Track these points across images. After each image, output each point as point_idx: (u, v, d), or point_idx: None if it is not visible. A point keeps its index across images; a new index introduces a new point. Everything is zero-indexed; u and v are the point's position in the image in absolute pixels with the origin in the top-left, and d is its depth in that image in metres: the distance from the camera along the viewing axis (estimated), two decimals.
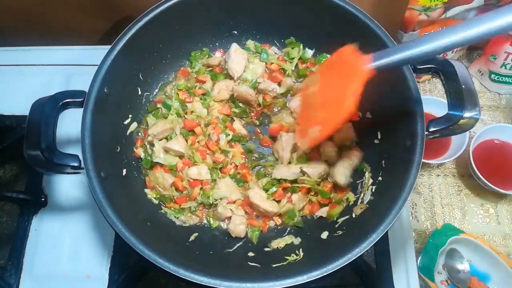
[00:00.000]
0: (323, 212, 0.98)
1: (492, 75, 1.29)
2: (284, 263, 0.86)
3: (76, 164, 0.77)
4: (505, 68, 1.24)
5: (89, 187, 0.78)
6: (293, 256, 0.88)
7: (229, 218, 0.97)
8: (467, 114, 0.78)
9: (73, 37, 1.25)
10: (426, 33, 0.76)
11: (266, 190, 0.98)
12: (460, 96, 0.80)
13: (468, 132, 1.15)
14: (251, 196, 0.96)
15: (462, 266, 1.06)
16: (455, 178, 1.24)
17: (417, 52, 0.69)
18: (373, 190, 0.93)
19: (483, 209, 1.20)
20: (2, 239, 1.05)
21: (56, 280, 0.98)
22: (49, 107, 0.79)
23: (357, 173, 1.00)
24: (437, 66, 0.85)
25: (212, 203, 0.98)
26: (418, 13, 1.12)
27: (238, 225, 0.95)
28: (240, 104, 1.09)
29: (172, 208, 0.98)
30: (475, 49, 1.38)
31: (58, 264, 0.99)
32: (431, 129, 0.81)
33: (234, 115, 1.09)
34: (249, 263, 0.87)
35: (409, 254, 1.00)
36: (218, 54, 1.14)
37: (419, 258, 1.04)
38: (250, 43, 1.13)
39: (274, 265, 0.85)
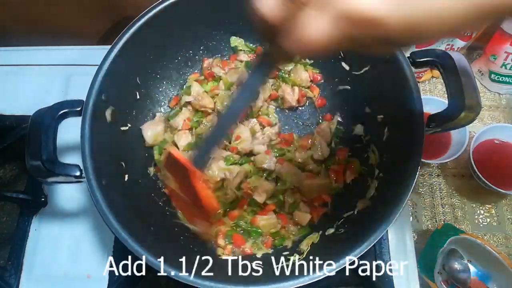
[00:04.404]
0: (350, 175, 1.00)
1: (492, 75, 1.29)
2: (288, 263, 0.86)
3: (77, 174, 0.78)
4: (505, 68, 1.24)
5: (90, 195, 0.78)
6: (295, 256, 0.89)
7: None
8: (467, 108, 0.76)
9: (73, 37, 1.25)
10: None
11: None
12: (460, 90, 0.77)
13: (468, 132, 1.16)
14: None
15: (462, 266, 1.06)
16: (455, 178, 1.24)
17: None
18: (376, 185, 0.93)
19: (483, 209, 1.20)
20: (2, 239, 1.05)
21: (56, 280, 0.98)
22: (48, 118, 0.79)
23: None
24: (436, 58, 0.82)
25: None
26: None
27: (305, 213, 0.96)
28: None
29: None
30: (475, 49, 1.38)
31: (58, 264, 0.99)
32: (432, 125, 0.80)
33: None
34: (253, 266, 0.87)
35: (409, 254, 1.00)
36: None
37: (419, 258, 1.04)
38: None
39: (277, 266, 0.85)
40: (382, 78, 0.94)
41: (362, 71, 1.02)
